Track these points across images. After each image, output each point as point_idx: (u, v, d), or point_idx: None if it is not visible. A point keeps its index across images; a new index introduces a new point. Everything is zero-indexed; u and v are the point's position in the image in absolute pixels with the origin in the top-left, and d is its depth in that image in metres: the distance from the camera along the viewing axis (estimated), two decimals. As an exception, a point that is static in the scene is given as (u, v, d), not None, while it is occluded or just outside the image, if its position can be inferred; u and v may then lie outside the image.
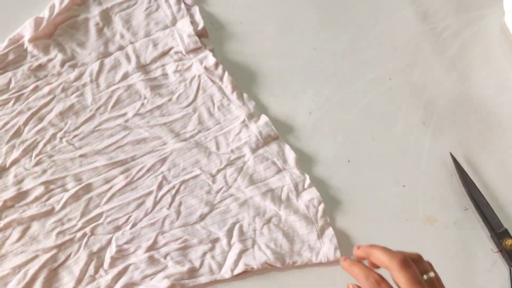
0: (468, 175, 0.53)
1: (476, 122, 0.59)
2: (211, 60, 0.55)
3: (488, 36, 0.64)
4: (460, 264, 0.51)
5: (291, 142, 0.55)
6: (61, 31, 0.56)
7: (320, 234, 0.50)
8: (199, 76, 0.55)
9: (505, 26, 0.64)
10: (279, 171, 0.52)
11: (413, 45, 0.62)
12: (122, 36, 0.57)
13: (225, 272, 0.48)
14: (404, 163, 0.55)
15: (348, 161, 0.55)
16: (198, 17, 0.58)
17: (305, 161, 0.54)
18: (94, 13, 0.57)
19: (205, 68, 0.55)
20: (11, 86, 0.53)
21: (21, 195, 0.49)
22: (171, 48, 0.56)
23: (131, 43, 0.56)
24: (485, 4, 0.65)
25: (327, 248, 0.49)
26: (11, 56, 0.53)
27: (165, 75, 0.55)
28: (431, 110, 0.59)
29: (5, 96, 0.52)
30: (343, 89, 0.59)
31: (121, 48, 0.56)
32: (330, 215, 0.52)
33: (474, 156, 0.56)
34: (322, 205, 0.51)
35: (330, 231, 0.50)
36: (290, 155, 0.53)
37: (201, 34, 0.58)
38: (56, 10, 0.55)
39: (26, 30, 0.54)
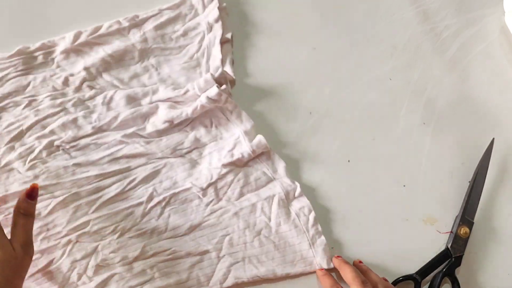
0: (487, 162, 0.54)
1: (476, 122, 0.59)
2: (214, 90, 0.53)
3: (488, 36, 0.64)
4: (460, 264, 0.51)
5: (291, 142, 0.55)
6: (94, 53, 0.56)
7: (312, 243, 0.49)
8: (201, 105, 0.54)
9: (505, 26, 0.64)
10: (269, 181, 0.52)
11: (413, 45, 0.62)
12: (150, 77, 0.56)
13: (214, 285, 0.47)
14: (404, 163, 0.55)
15: (348, 161, 0.55)
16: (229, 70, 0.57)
17: (304, 161, 0.54)
18: (135, 47, 0.56)
19: (207, 97, 0.53)
20: (27, 89, 0.53)
21: (8, 198, 0.49)
22: (187, 91, 0.54)
23: (154, 83, 0.56)
24: (485, 4, 0.65)
25: (320, 257, 0.49)
26: (39, 60, 0.54)
27: (171, 105, 0.54)
28: (431, 110, 0.59)
29: (18, 98, 0.53)
30: (343, 89, 0.59)
31: (144, 86, 0.55)
32: (330, 215, 0.52)
33: (474, 156, 0.56)
34: (312, 213, 0.50)
35: (322, 240, 0.49)
36: (280, 164, 0.52)
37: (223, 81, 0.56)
38: (100, 32, 0.56)
39: (64, 41, 0.55)
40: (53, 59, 0.55)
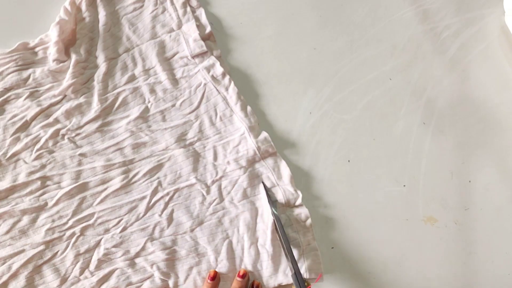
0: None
1: (476, 122, 0.59)
2: (218, 69, 0.55)
3: (488, 36, 0.64)
4: (460, 264, 0.51)
5: (291, 143, 0.55)
6: (78, 35, 0.56)
7: (304, 250, 0.49)
8: (204, 84, 0.55)
9: (505, 26, 0.64)
10: (272, 186, 0.51)
11: (413, 45, 0.62)
12: (128, 39, 0.57)
13: None
14: (404, 163, 0.55)
15: (348, 161, 0.55)
16: (204, 20, 0.58)
17: (305, 162, 0.54)
18: (102, 15, 0.57)
19: (212, 77, 0.55)
20: (28, 82, 0.53)
21: (16, 188, 0.49)
22: (177, 52, 0.56)
23: (137, 45, 0.56)
24: (485, 4, 0.65)
25: (310, 264, 0.48)
26: (40, 55, 0.55)
27: (170, 80, 0.55)
28: (431, 110, 0.59)
29: (19, 90, 0.53)
30: (343, 89, 0.59)
31: (127, 50, 0.56)
32: (330, 215, 0.52)
33: (474, 156, 0.56)
34: (309, 221, 0.50)
35: (313, 247, 0.49)
36: (286, 171, 0.52)
37: (207, 38, 0.58)
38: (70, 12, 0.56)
39: (53, 34, 0.55)
40: (50, 53, 0.55)
